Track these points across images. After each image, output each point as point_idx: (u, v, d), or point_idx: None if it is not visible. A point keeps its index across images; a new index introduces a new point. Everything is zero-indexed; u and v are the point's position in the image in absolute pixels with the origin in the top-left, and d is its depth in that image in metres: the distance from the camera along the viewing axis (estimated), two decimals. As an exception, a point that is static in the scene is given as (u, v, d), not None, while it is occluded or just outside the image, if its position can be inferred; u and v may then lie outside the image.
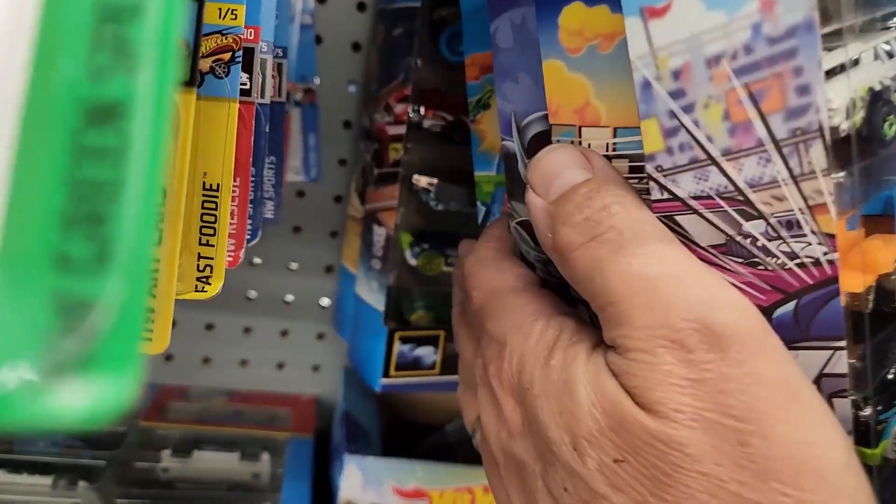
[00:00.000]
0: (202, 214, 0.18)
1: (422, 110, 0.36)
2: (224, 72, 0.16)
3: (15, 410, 0.06)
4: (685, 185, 0.17)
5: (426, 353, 0.38)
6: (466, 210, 0.37)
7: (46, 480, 0.41)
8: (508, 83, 0.22)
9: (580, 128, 0.19)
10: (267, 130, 0.25)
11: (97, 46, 0.06)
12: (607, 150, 0.19)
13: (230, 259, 0.22)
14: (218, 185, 0.17)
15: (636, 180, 0.19)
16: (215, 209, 0.18)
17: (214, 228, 0.18)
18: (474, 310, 0.23)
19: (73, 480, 0.41)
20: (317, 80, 0.46)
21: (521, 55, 0.22)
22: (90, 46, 0.06)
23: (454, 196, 0.37)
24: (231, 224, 0.21)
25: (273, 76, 0.27)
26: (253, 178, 0.24)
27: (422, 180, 0.37)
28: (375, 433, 0.46)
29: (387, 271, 0.37)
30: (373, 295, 0.38)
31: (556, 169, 0.19)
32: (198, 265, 0.19)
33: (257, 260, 0.52)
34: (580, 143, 0.20)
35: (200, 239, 0.18)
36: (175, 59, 0.06)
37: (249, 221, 0.25)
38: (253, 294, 0.53)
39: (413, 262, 0.37)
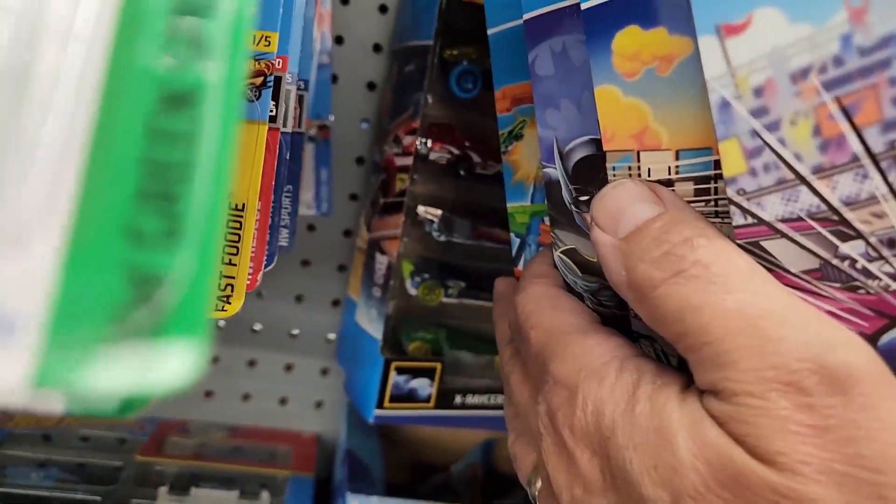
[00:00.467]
0: (226, 234, 0.18)
1: (429, 143, 0.37)
2: (256, 95, 0.16)
3: (88, 378, 0.06)
4: (772, 208, 0.16)
5: (421, 385, 0.38)
6: (469, 242, 0.38)
7: (39, 515, 0.40)
8: (550, 110, 0.22)
9: (639, 153, 0.19)
10: (287, 159, 0.25)
11: (174, 37, 0.06)
12: (669, 174, 0.19)
13: (248, 282, 0.22)
14: (243, 205, 0.17)
15: (702, 203, 0.18)
16: (239, 229, 0.18)
17: (237, 248, 0.18)
18: (534, 352, 0.21)
19: (66, 516, 0.40)
20: (331, 118, 0.47)
21: (562, 82, 0.21)
22: (167, 36, 0.06)
23: (457, 228, 0.38)
24: (251, 247, 0.21)
25: (295, 108, 0.28)
26: (272, 205, 0.24)
27: (426, 211, 0.37)
28: (378, 472, 0.45)
29: (387, 300, 0.37)
30: (372, 324, 0.38)
31: (623, 204, 0.18)
32: (220, 284, 0.19)
33: (264, 292, 0.52)
34: (639, 167, 0.19)
35: (223, 258, 0.18)
36: (245, 53, 0.07)
37: (266, 247, 0.25)
38: (258, 326, 0.53)
39: (413, 291, 0.37)
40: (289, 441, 0.52)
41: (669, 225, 0.17)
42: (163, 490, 0.44)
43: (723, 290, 0.16)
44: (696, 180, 0.18)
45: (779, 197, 0.16)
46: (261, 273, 0.22)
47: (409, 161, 0.38)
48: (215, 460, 0.48)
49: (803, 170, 0.16)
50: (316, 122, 0.47)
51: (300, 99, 0.30)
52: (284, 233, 0.30)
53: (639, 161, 0.19)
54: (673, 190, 0.19)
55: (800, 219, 0.16)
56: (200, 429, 0.52)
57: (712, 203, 0.18)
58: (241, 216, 0.18)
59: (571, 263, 0.23)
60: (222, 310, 0.19)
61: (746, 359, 0.15)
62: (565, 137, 0.22)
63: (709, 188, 0.18)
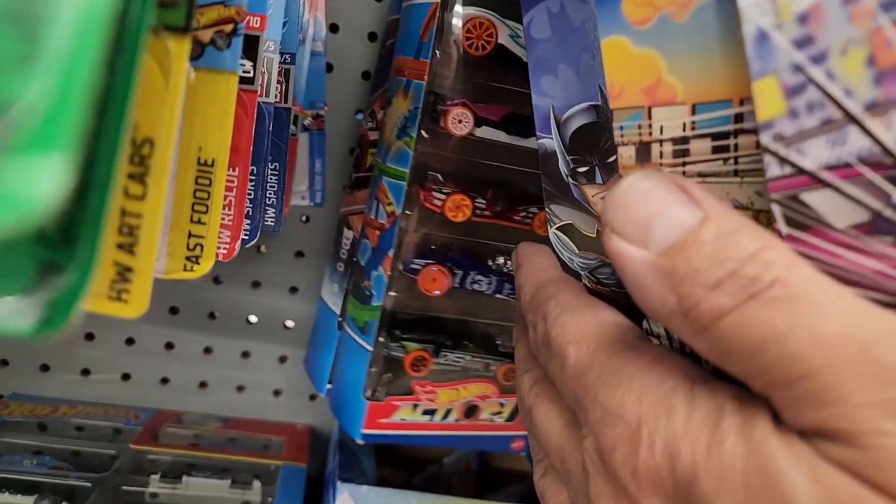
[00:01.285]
0: (195, 191, 0.18)
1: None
2: (225, 44, 0.16)
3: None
4: (815, 154, 0.14)
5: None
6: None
7: (28, 501, 0.40)
8: (546, 77, 0.21)
9: (650, 109, 0.17)
10: (270, 130, 0.25)
11: None
12: (684, 130, 0.17)
13: (224, 252, 0.22)
14: (213, 160, 0.17)
15: (720, 162, 0.16)
16: (209, 185, 0.18)
17: (207, 206, 0.18)
18: (574, 374, 0.18)
19: (56, 502, 0.40)
20: (325, 108, 0.47)
21: (560, 46, 0.20)
22: None
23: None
24: (227, 214, 0.21)
25: (279, 81, 0.28)
26: (253, 178, 0.24)
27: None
28: (370, 464, 0.45)
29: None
30: (333, 297, 0.38)
31: (652, 207, 0.15)
32: (188, 243, 0.18)
33: (258, 283, 0.52)
34: (650, 126, 0.17)
35: (192, 216, 0.18)
36: None
37: (248, 221, 0.25)
38: (253, 318, 0.53)
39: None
40: (282, 432, 0.52)
41: (724, 236, 0.14)
42: (155, 478, 0.44)
43: (815, 314, 0.13)
44: (714, 136, 0.16)
45: (823, 141, 0.14)
46: (238, 242, 0.22)
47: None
48: (209, 450, 0.48)
49: (854, 107, 0.14)
50: (310, 112, 0.48)
51: (286, 73, 0.30)
52: (271, 212, 0.30)
53: (650, 118, 0.17)
54: (690, 164, 0.16)
55: (847, 165, 0.14)
56: (196, 420, 0.52)
57: (731, 161, 0.16)
58: (211, 172, 0.18)
59: (568, 240, 0.22)
60: (191, 270, 0.19)
61: (863, 391, 0.12)
62: (562, 105, 0.21)
63: (728, 145, 0.16)
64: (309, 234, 0.52)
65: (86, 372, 0.51)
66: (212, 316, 0.52)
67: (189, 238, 0.19)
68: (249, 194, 0.24)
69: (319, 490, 0.46)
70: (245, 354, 0.53)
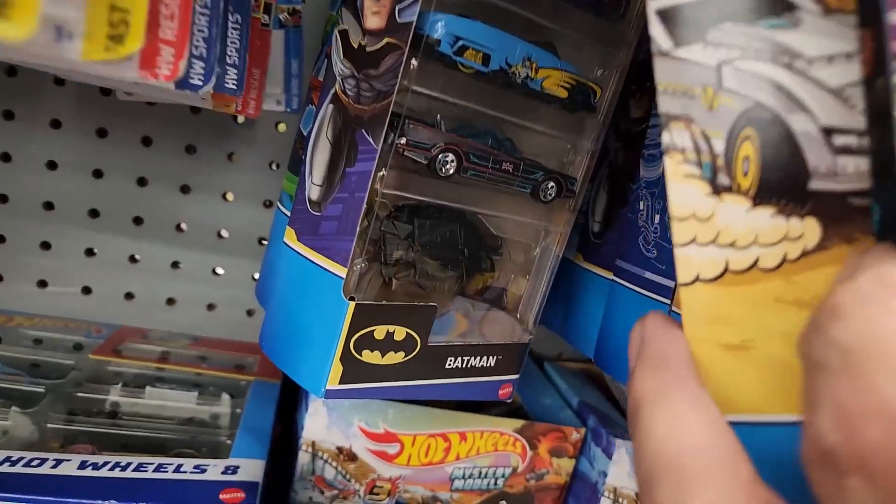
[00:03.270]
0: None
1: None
2: None
3: None
4: None
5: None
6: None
7: (-23, 404, 0.37)
8: None
9: None
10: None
11: None
12: None
13: (167, 73, 0.19)
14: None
15: None
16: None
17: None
18: None
19: (6, 405, 0.38)
20: (303, 1, 0.44)
21: None
22: None
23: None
24: (170, 26, 0.18)
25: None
26: (206, 10, 0.21)
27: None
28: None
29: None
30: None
31: None
32: (110, 19, 0.16)
33: (230, 194, 0.49)
34: None
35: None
36: None
37: (202, 64, 0.22)
38: (225, 233, 0.50)
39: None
40: (256, 351, 0.50)
41: None
42: (116, 387, 0.42)
43: None
44: None
45: None
46: (183, 62, 0.19)
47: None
48: (177, 364, 0.46)
49: None
50: (286, 7, 0.44)
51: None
52: (232, 73, 0.27)
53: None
54: None
55: None
56: (162, 337, 0.50)
57: None
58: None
59: (341, 45, 0.23)
60: (114, 50, 0.16)
61: None
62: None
63: None
64: (285, 143, 0.49)
65: (43, 284, 0.48)
66: (179, 229, 0.49)
67: (111, 13, 0.16)
68: (200, 26, 0.21)
69: (294, 403, 0.44)
70: (216, 271, 0.51)
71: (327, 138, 0.26)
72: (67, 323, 0.48)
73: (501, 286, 0.32)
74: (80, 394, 0.40)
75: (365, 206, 0.25)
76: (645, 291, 0.33)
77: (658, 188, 0.33)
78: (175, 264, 0.50)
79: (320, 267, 0.26)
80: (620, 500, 0.40)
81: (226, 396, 0.43)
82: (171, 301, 0.51)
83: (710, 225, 0.17)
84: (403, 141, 0.25)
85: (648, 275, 0.33)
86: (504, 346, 0.31)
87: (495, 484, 0.41)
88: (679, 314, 0.18)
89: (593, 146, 0.32)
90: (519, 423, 0.40)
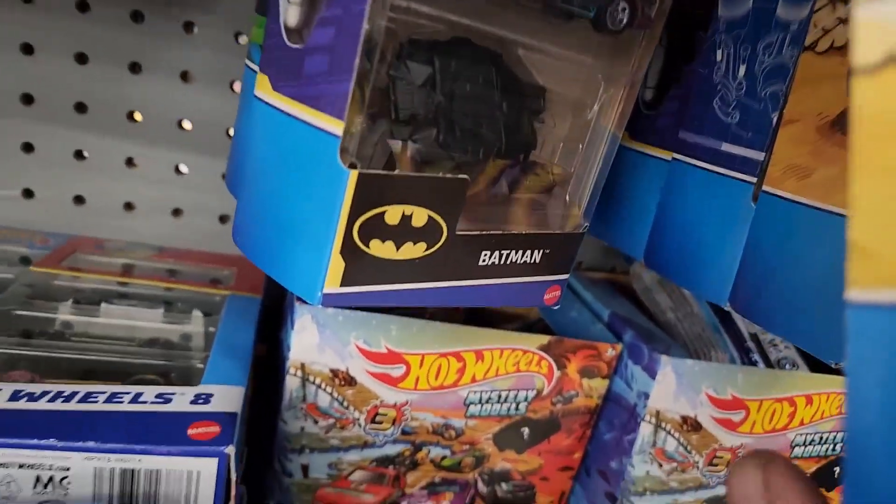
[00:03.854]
0: None
1: None
2: None
3: None
4: None
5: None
6: None
7: None
8: None
9: None
10: None
11: None
12: None
13: None
14: None
15: None
16: None
17: None
18: None
19: (-74, 325, 0.31)
20: None
21: None
22: None
23: None
24: None
25: None
26: None
27: None
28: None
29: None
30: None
31: None
32: None
33: (189, 73, 0.40)
34: None
35: None
36: None
37: None
38: (187, 124, 0.42)
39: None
40: (232, 263, 0.43)
41: None
42: (66, 304, 0.35)
43: None
44: None
45: None
46: None
47: None
48: (139, 278, 0.39)
49: None
50: None
51: None
52: None
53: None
54: None
55: None
56: (120, 247, 0.42)
57: None
58: None
59: None
60: None
61: None
62: None
63: None
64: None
65: (-29, 185, 0.40)
66: (131, 118, 0.41)
67: None
68: None
69: (278, 319, 0.38)
70: (179, 169, 0.43)
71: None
72: (6, 233, 0.41)
73: (543, 161, 0.25)
74: (19, 312, 0.33)
75: (367, 26, 0.17)
76: (720, 169, 0.26)
77: (745, 29, 0.25)
78: (129, 161, 0.42)
79: (306, 123, 0.19)
80: (664, 424, 0.34)
81: (197, 313, 0.36)
82: (128, 206, 0.43)
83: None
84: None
85: (726, 146, 0.26)
86: (553, 238, 0.24)
87: (516, 409, 0.36)
88: (768, 193, 0.11)
89: None
90: (545, 339, 0.34)
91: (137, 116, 0.41)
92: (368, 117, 0.20)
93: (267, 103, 0.20)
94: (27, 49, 0.38)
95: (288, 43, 0.19)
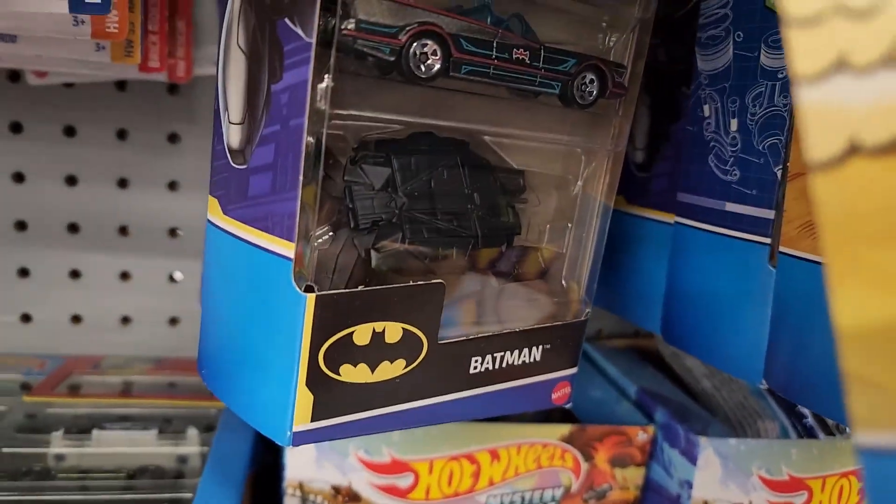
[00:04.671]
0: None
1: None
2: None
3: None
4: None
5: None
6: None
7: None
8: None
9: None
10: None
11: None
12: None
13: None
14: None
15: None
16: None
17: None
18: None
19: None
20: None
21: None
22: None
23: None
24: None
25: None
26: None
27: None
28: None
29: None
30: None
31: None
32: None
33: (176, 183, 0.40)
34: None
35: None
36: None
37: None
38: (180, 231, 0.41)
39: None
40: (232, 370, 0.41)
41: None
42: (57, 435, 0.33)
43: None
44: None
45: None
46: None
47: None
48: (136, 396, 0.37)
49: None
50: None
51: None
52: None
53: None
54: None
55: None
56: (117, 364, 0.41)
57: None
58: None
59: None
60: None
61: None
62: None
63: None
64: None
65: (-32, 315, 0.40)
66: (123, 232, 0.40)
67: None
68: None
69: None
70: (173, 277, 0.42)
71: (240, 48, 0.17)
72: (4, 359, 0.40)
73: (530, 245, 0.23)
74: (8, 450, 0.32)
75: (308, 137, 0.15)
76: (727, 231, 0.23)
77: (729, 81, 0.23)
78: (124, 275, 0.41)
79: (257, 247, 0.17)
80: (711, 515, 0.31)
81: (193, 432, 0.34)
82: (125, 320, 0.42)
83: (876, 26, 0.08)
84: (351, 25, 0.15)
85: (730, 206, 0.23)
86: (553, 330, 0.22)
87: (544, 508, 0.32)
88: (787, 254, 0.09)
89: (642, 13, 0.22)
90: (565, 428, 0.31)
91: (128, 229, 0.41)
92: (330, 231, 0.18)
93: (218, 227, 0.19)
94: (18, 178, 0.38)
95: (233, 164, 0.18)
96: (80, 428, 0.34)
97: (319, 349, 0.17)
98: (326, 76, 0.15)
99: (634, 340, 0.46)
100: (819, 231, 0.09)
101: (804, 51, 0.08)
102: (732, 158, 0.23)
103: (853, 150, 0.08)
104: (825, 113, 0.08)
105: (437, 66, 0.17)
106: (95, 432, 0.33)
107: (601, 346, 0.43)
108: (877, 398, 0.08)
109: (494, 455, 0.30)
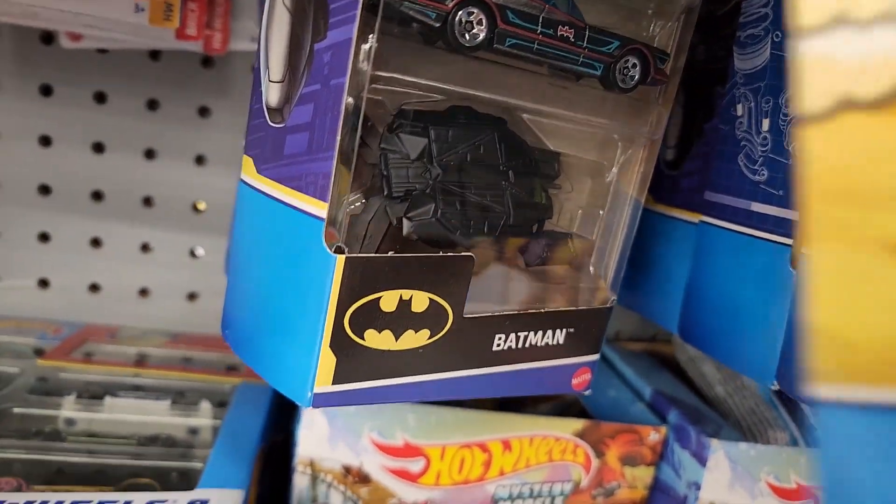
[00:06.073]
0: None
1: None
2: None
3: None
4: None
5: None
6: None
7: None
8: None
9: None
10: None
11: None
12: None
13: None
14: None
15: None
16: None
17: None
18: None
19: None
20: None
21: None
22: None
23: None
24: None
25: None
26: None
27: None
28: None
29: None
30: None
31: None
32: None
33: (203, 157, 0.40)
34: None
35: None
36: None
37: None
38: (202, 205, 0.41)
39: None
40: (245, 348, 0.41)
41: None
42: (69, 399, 0.33)
43: None
44: None
45: None
46: None
47: None
48: (150, 367, 0.37)
49: None
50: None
51: None
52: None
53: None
54: None
55: None
56: (134, 335, 0.41)
57: None
58: None
59: None
60: None
61: None
62: None
63: None
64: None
65: (-11, 277, 0.40)
66: (147, 203, 0.41)
67: None
68: None
69: (292, 409, 0.35)
70: (194, 252, 0.42)
71: (284, 5, 0.17)
72: (20, 323, 0.40)
73: (560, 231, 0.23)
74: (19, 410, 0.32)
75: (348, 98, 0.15)
76: (752, 231, 0.23)
77: (764, 81, 0.23)
78: (145, 247, 0.41)
79: (290, 206, 0.17)
80: (723, 520, 0.30)
81: (206, 405, 0.34)
82: (143, 292, 0.42)
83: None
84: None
85: (756, 206, 0.23)
86: (578, 314, 0.22)
87: None
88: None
89: (689, 0, 0.22)
90: (579, 423, 0.31)
91: (153, 200, 0.41)
92: (361, 197, 0.18)
93: (251, 186, 0.19)
94: (44, 141, 0.39)
95: (270, 123, 0.18)
96: (93, 394, 0.34)
97: (345, 312, 0.17)
98: (371, 36, 0.15)
99: (651, 345, 0.45)
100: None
101: (808, 2, 0.09)
102: (762, 158, 0.23)
103: (845, 104, 0.08)
104: (821, 65, 0.08)
105: (482, 36, 0.17)
106: (108, 399, 0.33)
107: (618, 347, 0.43)
108: (842, 352, 0.08)
109: (507, 445, 0.30)
